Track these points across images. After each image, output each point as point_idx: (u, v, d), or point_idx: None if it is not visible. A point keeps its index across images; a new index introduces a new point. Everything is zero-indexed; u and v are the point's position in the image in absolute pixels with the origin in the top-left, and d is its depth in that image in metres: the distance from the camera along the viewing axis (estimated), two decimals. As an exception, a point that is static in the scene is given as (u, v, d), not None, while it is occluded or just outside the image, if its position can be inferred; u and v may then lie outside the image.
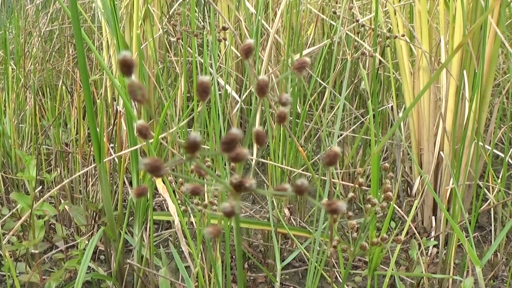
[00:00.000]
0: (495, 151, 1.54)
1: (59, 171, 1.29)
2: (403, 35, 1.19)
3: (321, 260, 0.94)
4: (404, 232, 0.87)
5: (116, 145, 1.26)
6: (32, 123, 1.49)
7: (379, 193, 0.55)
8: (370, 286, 0.76)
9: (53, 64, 1.94)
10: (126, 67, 0.27)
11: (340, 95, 1.67)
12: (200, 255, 0.97)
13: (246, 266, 1.36)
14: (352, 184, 1.51)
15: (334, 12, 0.94)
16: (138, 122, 0.34)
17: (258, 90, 0.35)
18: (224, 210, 0.32)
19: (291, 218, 1.47)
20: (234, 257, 1.34)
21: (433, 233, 1.47)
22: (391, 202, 0.59)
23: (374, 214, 0.56)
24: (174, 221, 0.94)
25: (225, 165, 1.03)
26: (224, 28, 1.00)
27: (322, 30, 2.03)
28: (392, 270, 0.81)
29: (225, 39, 1.05)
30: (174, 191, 0.91)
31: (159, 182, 0.93)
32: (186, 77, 1.15)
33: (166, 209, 1.40)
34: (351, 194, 0.58)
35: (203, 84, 0.30)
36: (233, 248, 1.34)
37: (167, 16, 1.65)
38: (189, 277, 0.99)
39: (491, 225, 1.53)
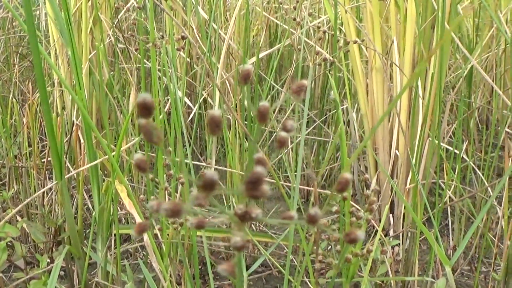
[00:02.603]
0: (448, 147, 1.56)
1: (15, 189, 1.25)
2: (362, 40, 1.20)
3: (299, 268, 0.94)
4: (363, 228, 0.88)
5: (73, 159, 1.23)
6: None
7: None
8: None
9: (1, 75, 1.88)
10: (147, 110, 0.25)
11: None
12: (169, 269, 0.95)
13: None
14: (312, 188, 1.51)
15: (294, 19, 0.94)
16: (136, 157, 0.33)
17: (259, 117, 0.34)
18: (236, 245, 0.31)
19: (251, 223, 1.46)
20: (201, 268, 1.33)
21: (391, 232, 1.49)
22: (371, 213, 0.59)
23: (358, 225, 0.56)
24: (132, 235, 0.92)
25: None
26: (183, 37, 0.98)
27: (276, 32, 2.03)
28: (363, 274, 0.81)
29: (183, 48, 1.03)
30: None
31: (125, 198, 0.91)
32: (144, 84, 1.13)
33: (127, 223, 1.37)
34: (335, 208, 0.57)
35: (215, 118, 0.28)
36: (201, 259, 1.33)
37: (115, 23, 1.62)
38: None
39: (446, 219, 1.56)
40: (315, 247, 0.62)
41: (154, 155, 1.33)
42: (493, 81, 1.71)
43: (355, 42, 1.03)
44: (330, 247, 0.67)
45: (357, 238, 0.30)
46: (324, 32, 0.94)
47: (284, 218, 0.34)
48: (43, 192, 1.28)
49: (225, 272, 0.31)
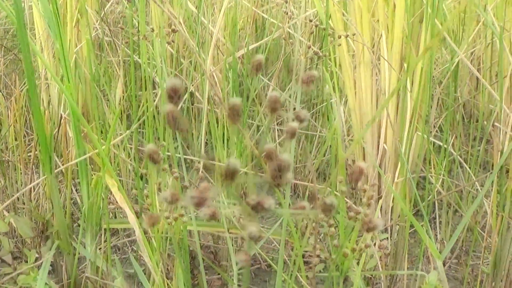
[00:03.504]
0: (436, 141, 1.57)
1: (2, 183, 1.24)
2: (354, 34, 1.20)
3: (293, 262, 0.93)
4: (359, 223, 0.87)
5: (59, 153, 1.21)
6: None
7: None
8: (340, 287, 0.76)
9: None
10: (176, 95, 0.25)
11: (282, 90, 1.67)
12: (159, 263, 0.95)
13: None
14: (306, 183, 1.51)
15: (286, 13, 0.93)
16: (148, 147, 0.33)
17: (270, 108, 0.34)
18: (251, 235, 0.30)
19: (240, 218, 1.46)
20: (190, 262, 1.32)
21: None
22: (368, 208, 0.59)
23: (354, 221, 0.56)
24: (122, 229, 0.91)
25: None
26: (174, 30, 0.97)
27: (263, 25, 2.02)
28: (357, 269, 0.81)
29: (173, 41, 1.03)
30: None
31: (116, 192, 0.90)
32: (133, 78, 1.12)
33: (115, 217, 1.36)
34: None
35: (235, 107, 0.28)
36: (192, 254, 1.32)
37: (102, 16, 1.61)
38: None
39: (432, 213, 1.57)
40: (311, 241, 0.62)
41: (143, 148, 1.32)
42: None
43: (347, 36, 1.02)
44: (321, 240, 0.67)
45: (376, 226, 0.29)
46: (316, 26, 0.93)
47: (296, 208, 0.33)
48: (31, 187, 1.27)
49: (242, 262, 0.30)
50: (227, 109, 0.27)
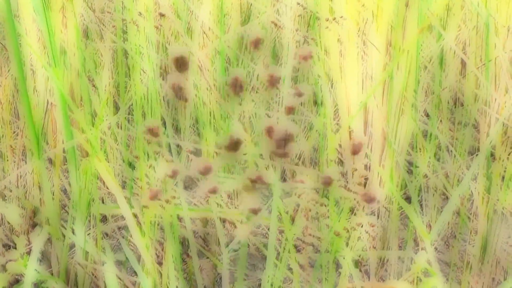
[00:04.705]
0: (423, 124, 1.58)
1: (-10, 170, 1.23)
2: (341, 17, 1.20)
3: (283, 247, 0.94)
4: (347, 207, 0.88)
5: (46, 139, 1.21)
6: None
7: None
8: (331, 269, 0.76)
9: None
10: (182, 64, 0.25)
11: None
12: (150, 248, 0.94)
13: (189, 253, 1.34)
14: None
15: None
16: (148, 121, 0.33)
17: (269, 83, 0.34)
18: (252, 208, 0.30)
19: (228, 202, 1.46)
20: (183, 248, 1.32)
21: (366, 208, 1.50)
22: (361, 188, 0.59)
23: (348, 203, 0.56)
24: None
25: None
26: (161, 14, 0.97)
27: (249, 11, 2.02)
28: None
29: (161, 26, 1.02)
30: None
31: (106, 177, 0.90)
32: (122, 64, 1.11)
33: (103, 203, 1.36)
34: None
35: (238, 79, 0.28)
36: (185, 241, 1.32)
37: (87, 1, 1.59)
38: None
39: (418, 196, 1.58)
40: (302, 223, 0.62)
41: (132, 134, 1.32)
42: (463, 60, 1.72)
43: (334, 19, 1.02)
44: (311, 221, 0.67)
45: (376, 197, 0.29)
46: (304, 8, 0.93)
47: (295, 182, 0.33)
48: (18, 174, 1.26)
49: (242, 236, 0.30)
50: (231, 80, 0.27)
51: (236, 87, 0.28)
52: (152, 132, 0.29)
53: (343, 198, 0.55)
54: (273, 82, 0.34)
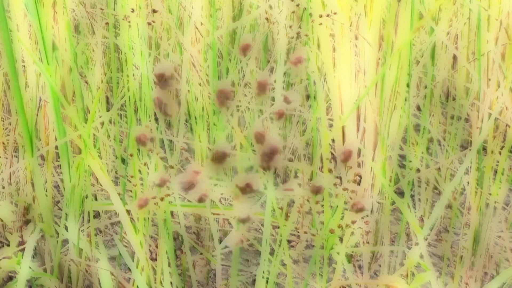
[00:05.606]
0: (415, 119, 1.58)
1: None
2: (335, 13, 1.20)
3: (279, 242, 0.94)
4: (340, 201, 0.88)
5: (38, 136, 1.20)
6: None
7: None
8: (325, 264, 0.77)
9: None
10: (164, 81, 0.25)
11: (261, 70, 1.67)
12: (143, 244, 0.95)
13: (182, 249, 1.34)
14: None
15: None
16: (136, 129, 0.32)
17: (258, 90, 0.34)
18: (241, 217, 0.30)
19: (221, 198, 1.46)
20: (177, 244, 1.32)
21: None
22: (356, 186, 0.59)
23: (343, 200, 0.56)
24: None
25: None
26: (154, 11, 0.97)
27: (240, 6, 2.01)
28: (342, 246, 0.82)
29: (154, 22, 1.02)
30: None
31: (99, 174, 0.90)
32: (114, 60, 1.11)
33: (96, 200, 1.36)
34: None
35: (224, 91, 0.28)
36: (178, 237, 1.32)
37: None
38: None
39: (411, 190, 1.59)
40: (295, 220, 0.62)
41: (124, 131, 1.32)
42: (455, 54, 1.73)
43: (328, 15, 1.02)
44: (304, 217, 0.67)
45: (364, 207, 0.30)
46: (297, 5, 0.93)
47: (285, 190, 0.33)
48: (10, 171, 1.26)
49: (234, 243, 0.30)
50: (217, 92, 0.27)
51: (223, 99, 0.28)
52: (140, 141, 0.29)
53: (337, 195, 0.55)
54: (263, 88, 0.34)
